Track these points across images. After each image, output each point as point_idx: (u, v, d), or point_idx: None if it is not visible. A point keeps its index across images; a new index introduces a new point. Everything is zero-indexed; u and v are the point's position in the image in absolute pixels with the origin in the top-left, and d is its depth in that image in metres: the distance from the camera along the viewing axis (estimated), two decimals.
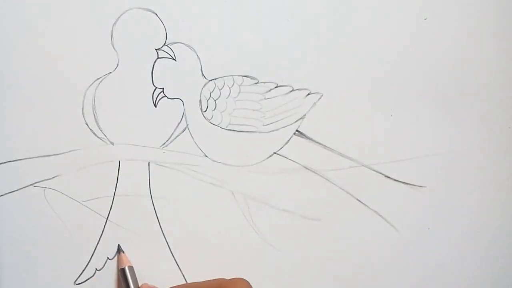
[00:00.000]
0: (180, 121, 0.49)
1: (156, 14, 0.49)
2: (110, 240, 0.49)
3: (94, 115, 0.49)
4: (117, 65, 0.49)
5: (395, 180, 0.51)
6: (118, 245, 0.49)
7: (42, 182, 0.48)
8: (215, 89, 0.49)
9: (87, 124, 0.49)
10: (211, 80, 0.50)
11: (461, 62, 0.52)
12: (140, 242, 0.49)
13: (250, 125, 0.50)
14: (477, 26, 0.52)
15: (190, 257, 0.50)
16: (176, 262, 0.50)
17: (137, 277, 0.48)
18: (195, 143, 0.49)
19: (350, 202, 0.51)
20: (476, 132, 0.52)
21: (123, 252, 0.48)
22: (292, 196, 0.50)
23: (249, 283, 0.44)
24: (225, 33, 0.50)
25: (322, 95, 0.51)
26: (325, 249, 0.51)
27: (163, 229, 0.49)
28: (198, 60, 0.49)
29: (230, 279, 0.45)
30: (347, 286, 0.51)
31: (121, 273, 0.48)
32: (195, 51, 0.49)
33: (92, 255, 0.49)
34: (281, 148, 0.50)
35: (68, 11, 0.48)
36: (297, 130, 0.50)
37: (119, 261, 0.48)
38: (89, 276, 0.49)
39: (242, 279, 0.45)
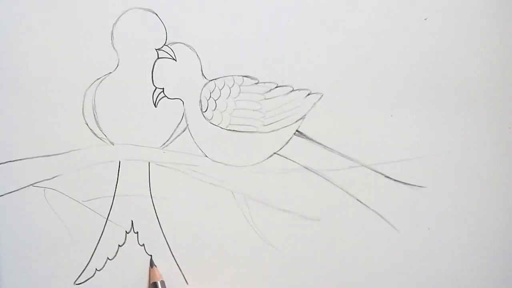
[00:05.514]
0: (180, 121, 0.49)
1: (156, 14, 0.49)
2: (110, 240, 0.49)
3: (94, 115, 0.49)
4: (117, 65, 0.49)
5: (395, 180, 0.51)
6: (151, 258, 0.49)
7: (42, 182, 0.48)
8: (215, 89, 0.49)
9: (87, 124, 0.49)
10: (211, 80, 0.50)
11: (461, 62, 0.52)
12: (140, 242, 0.49)
13: (250, 125, 0.50)
14: (477, 26, 0.52)
15: (190, 257, 0.50)
16: (176, 262, 0.50)
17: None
18: (195, 143, 0.49)
19: (350, 202, 0.51)
20: (476, 132, 0.52)
21: (155, 266, 0.49)
22: (292, 196, 0.50)
23: None
24: (225, 33, 0.50)
25: (322, 95, 0.51)
26: (325, 249, 0.51)
27: (163, 229, 0.49)
28: (198, 60, 0.49)
29: None
30: (347, 286, 0.51)
31: (153, 287, 0.48)
32: (195, 51, 0.49)
33: (92, 255, 0.49)
34: (281, 148, 0.50)
35: (68, 11, 0.48)
36: (297, 130, 0.50)
37: (151, 275, 0.49)
38: (89, 276, 0.49)
39: None
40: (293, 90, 0.50)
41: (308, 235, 0.51)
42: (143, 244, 0.49)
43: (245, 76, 0.50)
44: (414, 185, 0.51)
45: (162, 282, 0.48)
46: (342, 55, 0.51)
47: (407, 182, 0.51)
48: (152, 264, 0.49)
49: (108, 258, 0.49)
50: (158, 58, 0.49)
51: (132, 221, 0.49)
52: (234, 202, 0.50)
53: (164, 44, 0.49)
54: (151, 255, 0.49)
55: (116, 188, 0.49)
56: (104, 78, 0.49)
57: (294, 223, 0.50)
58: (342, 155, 0.51)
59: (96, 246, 0.49)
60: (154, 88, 0.49)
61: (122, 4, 0.49)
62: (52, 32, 0.48)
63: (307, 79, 0.51)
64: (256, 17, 0.50)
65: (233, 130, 0.50)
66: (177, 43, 0.49)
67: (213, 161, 0.50)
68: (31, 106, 0.48)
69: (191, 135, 0.49)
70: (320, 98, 0.51)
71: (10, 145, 0.48)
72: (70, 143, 0.48)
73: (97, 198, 0.49)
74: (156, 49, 0.49)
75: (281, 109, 0.50)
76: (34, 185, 0.48)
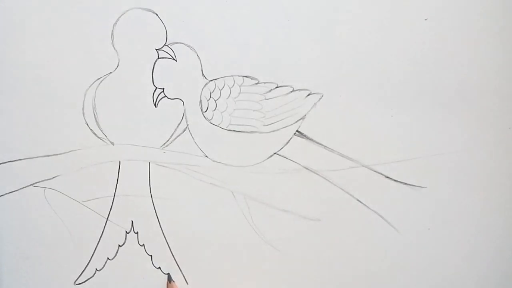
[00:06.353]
0: (181, 121, 0.49)
1: (157, 14, 0.49)
2: (110, 240, 0.49)
3: (94, 115, 0.49)
4: (118, 65, 0.49)
5: (395, 180, 0.51)
6: (168, 274, 0.49)
7: (42, 182, 0.48)
8: (215, 89, 0.49)
9: (87, 124, 0.49)
10: (212, 80, 0.50)
11: (461, 62, 0.52)
12: (140, 242, 0.49)
13: (250, 126, 0.50)
14: (477, 26, 0.52)
15: (190, 257, 0.50)
16: (176, 262, 0.50)
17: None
18: (196, 143, 0.49)
19: (350, 202, 0.51)
20: (476, 132, 0.52)
21: (173, 281, 0.49)
22: (292, 196, 0.50)
23: None
24: (225, 34, 0.50)
25: (322, 96, 0.51)
26: (325, 249, 0.51)
27: (163, 229, 0.49)
28: (199, 60, 0.49)
29: None
30: (347, 286, 0.51)
31: None
32: (195, 51, 0.49)
33: (92, 255, 0.49)
34: (282, 148, 0.50)
35: (68, 11, 0.48)
36: (297, 131, 0.50)
37: None
38: (89, 276, 0.49)
39: None
40: (293, 91, 0.50)
41: (308, 235, 0.51)
42: (143, 244, 0.49)
43: (245, 76, 0.50)
44: (414, 185, 0.51)
45: None
46: (342, 55, 0.51)
47: (407, 182, 0.51)
48: (170, 279, 0.49)
49: (108, 258, 0.49)
50: (158, 58, 0.49)
51: (132, 221, 0.49)
52: (234, 202, 0.50)
53: (164, 44, 0.49)
54: (168, 273, 0.49)
55: (116, 188, 0.49)
56: (104, 78, 0.49)
57: (294, 223, 0.50)
58: (342, 155, 0.51)
59: (96, 246, 0.49)
60: (155, 88, 0.49)
61: (122, 4, 0.49)
62: (52, 32, 0.48)
63: (307, 80, 0.51)
64: (256, 17, 0.50)
65: (233, 130, 0.50)
66: (177, 43, 0.49)
67: (213, 161, 0.50)
68: (31, 106, 0.48)
69: (191, 135, 0.49)
70: (320, 98, 0.51)
71: (10, 145, 0.48)
72: (70, 143, 0.48)
73: (97, 198, 0.49)
74: (156, 49, 0.49)
75: (281, 109, 0.50)
76: (34, 185, 0.48)
